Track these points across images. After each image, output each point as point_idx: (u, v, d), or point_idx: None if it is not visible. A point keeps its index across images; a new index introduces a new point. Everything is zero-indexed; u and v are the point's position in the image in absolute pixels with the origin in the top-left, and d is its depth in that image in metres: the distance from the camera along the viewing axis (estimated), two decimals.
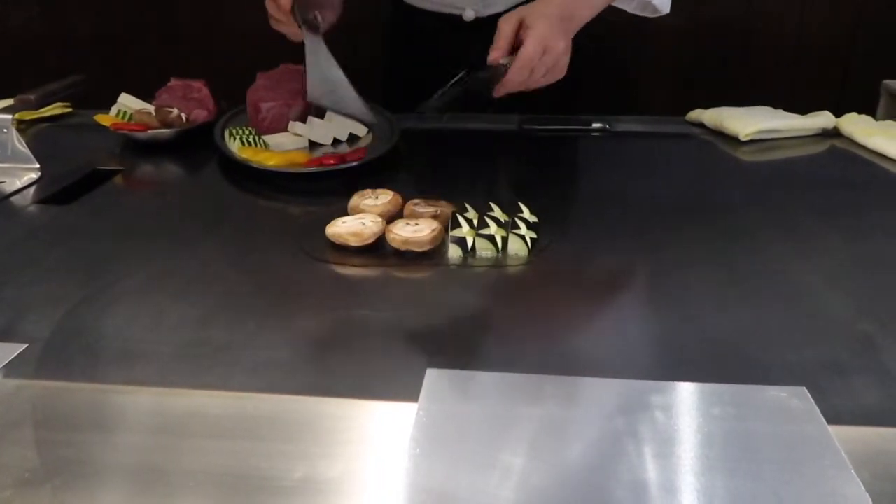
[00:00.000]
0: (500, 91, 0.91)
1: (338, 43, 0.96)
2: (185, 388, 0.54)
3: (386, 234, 0.74)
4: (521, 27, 0.90)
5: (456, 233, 0.74)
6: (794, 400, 0.49)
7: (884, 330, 0.60)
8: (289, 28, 0.95)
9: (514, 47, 0.90)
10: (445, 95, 0.87)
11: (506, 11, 0.93)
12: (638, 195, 0.92)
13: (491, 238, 0.73)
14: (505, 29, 0.91)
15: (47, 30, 1.97)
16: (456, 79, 0.89)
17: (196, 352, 0.58)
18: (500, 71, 0.89)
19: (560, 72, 0.92)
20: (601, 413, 0.49)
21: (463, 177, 0.95)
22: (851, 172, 1.00)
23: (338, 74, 0.94)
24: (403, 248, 0.73)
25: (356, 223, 0.75)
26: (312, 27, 0.92)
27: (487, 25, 0.92)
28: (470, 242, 0.73)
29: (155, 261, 0.74)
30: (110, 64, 1.92)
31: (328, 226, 0.76)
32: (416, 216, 0.78)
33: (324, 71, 0.93)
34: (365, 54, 1.39)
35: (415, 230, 0.74)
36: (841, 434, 0.46)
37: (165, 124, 1.07)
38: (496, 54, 0.90)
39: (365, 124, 0.94)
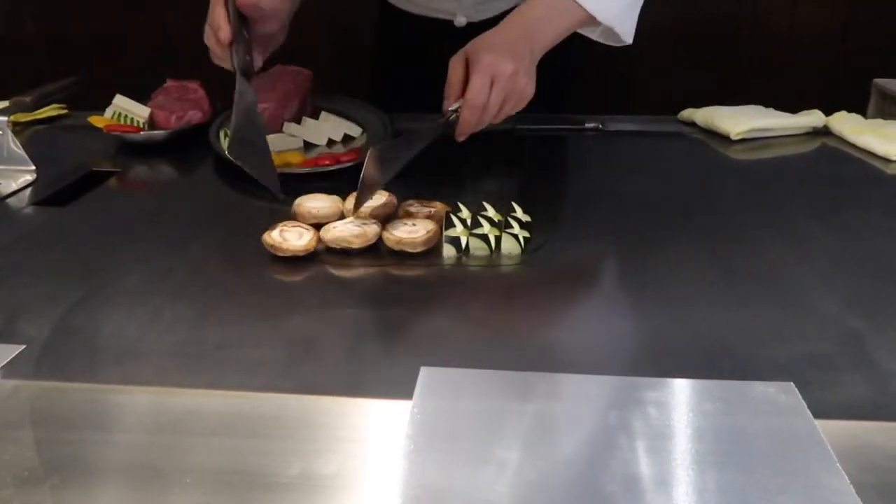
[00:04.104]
0: (460, 135, 0.87)
1: (326, 47, 0.94)
2: (182, 387, 0.54)
3: (381, 235, 0.75)
4: (468, 65, 0.85)
5: (450, 232, 0.74)
6: (783, 395, 0.50)
7: (872, 326, 0.61)
8: (225, 63, 0.90)
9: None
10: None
11: (502, 16, 0.91)
12: (630, 194, 0.92)
13: (484, 237, 0.74)
14: (451, 77, 0.86)
15: (42, 31, 1.97)
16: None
17: (192, 351, 0.59)
18: (453, 118, 0.85)
19: (523, 96, 0.86)
20: (594, 409, 0.50)
21: (456, 177, 0.96)
22: (841, 170, 1.01)
23: (260, 126, 0.90)
24: (398, 248, 0.73)
25: (354, 225, 0.76)
26: (245, 72, 0.89)
27: (481, 32, 0.89)
28: (464, 242, 0.74)
29: (151, 261, 0.74)
30: (106, 65, 1.92)
31: (322, 230, 0.76)
32: (410, 217, 0.79)
33: (247, 118, 0.87)
34: (353, 60, 1.39)
35: (410, 231, 0.74)
36: (827, 428, 0.47)
37: None
38: (446, 104, 0.86)
39: (273, 193, 0.86)
